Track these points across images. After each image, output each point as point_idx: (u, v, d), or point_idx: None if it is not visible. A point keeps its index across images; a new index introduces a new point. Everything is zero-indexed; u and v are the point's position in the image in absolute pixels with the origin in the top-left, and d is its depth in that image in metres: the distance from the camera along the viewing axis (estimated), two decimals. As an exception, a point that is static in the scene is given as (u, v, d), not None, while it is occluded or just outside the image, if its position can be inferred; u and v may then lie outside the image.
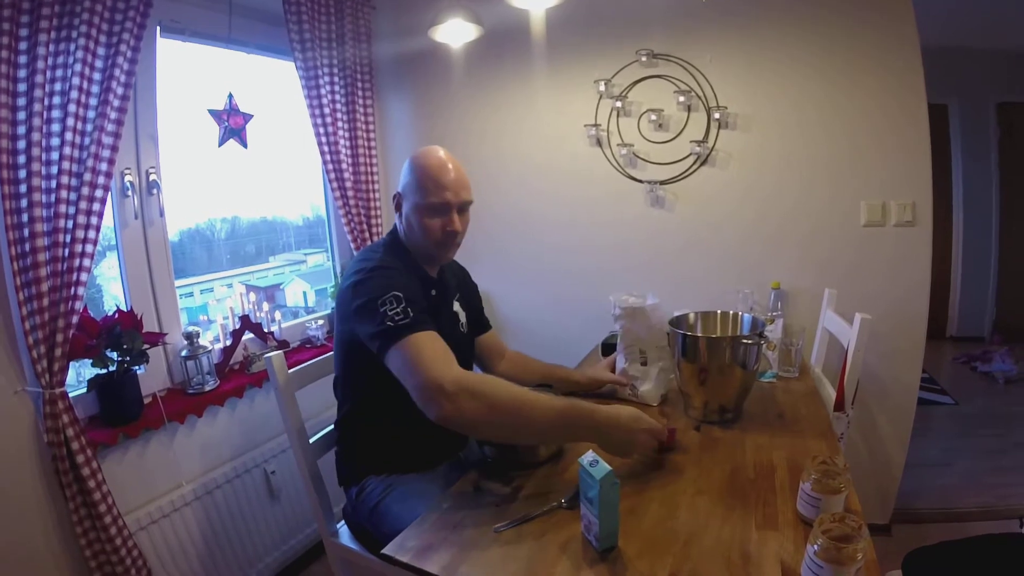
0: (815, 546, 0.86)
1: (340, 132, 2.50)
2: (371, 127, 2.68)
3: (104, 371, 1.75)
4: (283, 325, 2.45)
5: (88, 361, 1.74)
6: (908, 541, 2.26)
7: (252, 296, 2.37)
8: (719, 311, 1.74)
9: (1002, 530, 2.10)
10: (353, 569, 1.67)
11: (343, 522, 1.65)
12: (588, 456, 1.04)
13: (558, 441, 1.28)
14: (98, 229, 1.64)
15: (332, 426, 1.67)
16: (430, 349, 1.21)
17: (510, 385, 1.20)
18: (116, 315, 1.78)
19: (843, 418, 1.69)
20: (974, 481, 2.74)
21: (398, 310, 1.25)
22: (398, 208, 1.50)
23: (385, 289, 1.28)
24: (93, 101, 1.63)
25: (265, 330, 2.33)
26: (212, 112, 2.12)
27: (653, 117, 2.43)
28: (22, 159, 1.50)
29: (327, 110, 2.41)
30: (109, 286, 2.08)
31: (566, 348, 2.38)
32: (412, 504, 1.35)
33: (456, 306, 1.65)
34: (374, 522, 1.46)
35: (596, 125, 2.53)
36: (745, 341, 1.44)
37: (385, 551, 1.06)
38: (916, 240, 2.20)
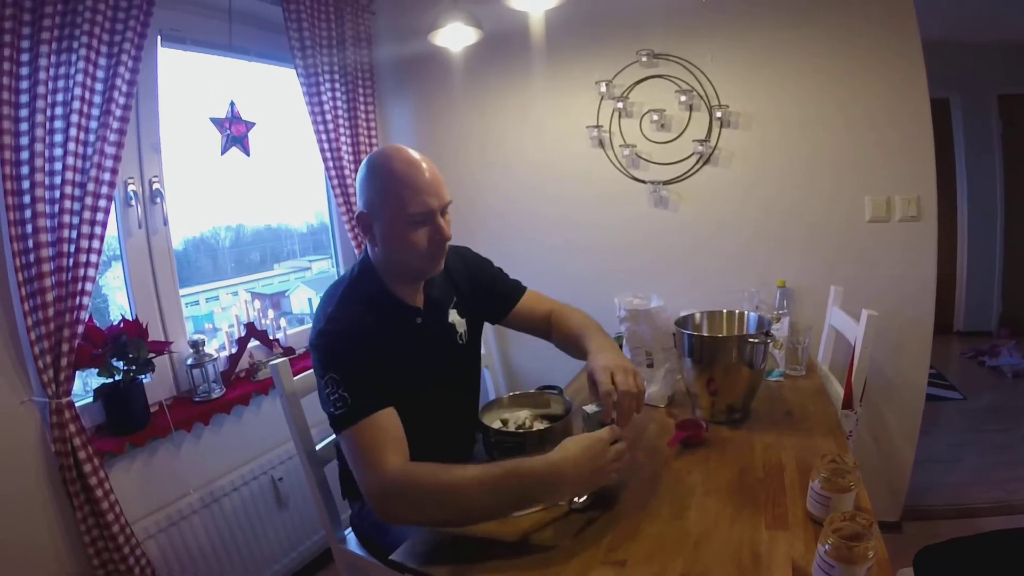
0: (826, 545, 0.85)
1: (342, 138, 2.50)
2: (373, 132, 2.68)
3: (110, 380, 1.75)
4: (289, 332, 2.45)
5: (94, 371, 1.74)
6: (919, 538, 2.24)
7: (257, 303, 2.38)
8: (724, 310, 1.73)
9: (1013, 525, 2.08)
10: None
11: (351, 529, 1.65)
12: (590, 407, 1.18)
13: (512, 510, 1.11)
14: (102, 239, 1.65)
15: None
16: (364, 445, 1.13)
17: (439, 472, 1.08)
18: (121, 324, 1.78)
19: (851, 416, 1.68)
20: (984, 476, 2.72)
21: (336, 396, 1.16)
22: (366, 231, 1.29)
23: (324, 367, 1.20)
24: (95, 111, 1.64)
25: (271, 337, 2.34)
26: (214, 120, 2.13)
27: (655, 117, 2.42)
28: (25, 170, 1.50)
29: (329, 116, 2.42)
30: (115, 296, 2.08)
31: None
32: None
33: (453, 316, 1.47)
34: (379, 534, 1.46)
35: (598, 126, 2.53)
36: (752, 340, 1.44)
37: (393, 557, 1.06)
38: (922, 235, 2.18)
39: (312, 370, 1.62)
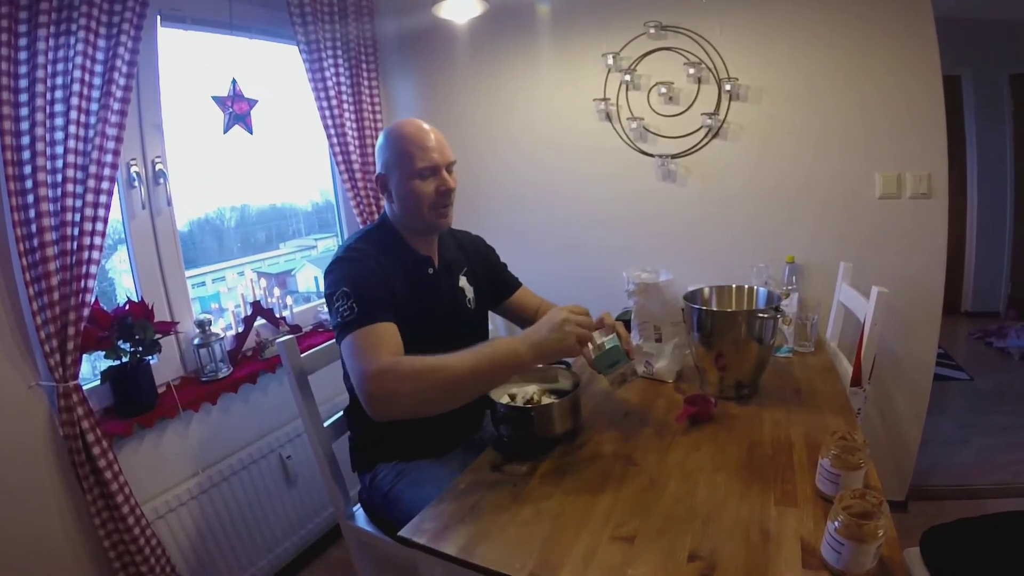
0: (835, 523, 0.85)
1: (346, 114, 2.48)
2: (377, 108, 2.65)
3: (117, 362, 1.75)
4: (295, 310, 2.45)
5: (101, 353, 1.74)
6: (925, 518, 2.25)
7: (263, 283, 2.37)
8: (734, 285, 1.72)
9: (1020, 507, 2.08)
10: (371, 552, 1.68)
11: (359, 505, 1.66)
12: (602, 340, 1.31)
13: (496, 383, 1.27)
14: (105, 221, 1.64)
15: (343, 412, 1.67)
16: (364, 344, 1.25)
17: (423, 357, 1.20)
18: (127, 306, 1.78)
19: (860, 393, 1.67)
20: (990, 458, 2.71)
21: (345, 306, 1.29)
22: (384, 189, 1.49)
23: (338, 283, 1.33)
24: (95, 93, 1.62)
25: (277, 315, 2.33)
26: (216, 99, 2.11)
27: (663, 90, 2.39)
28: (27, 155, 1.49)
29: (332, 92, 2.39)
30: (121, 279, 2.08)
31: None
32: (424, 490, 1.36)
33: (463, 281, 1.63)
34: (388, 508, 1.48)
35: (605, 99, 2.50)
36: (761, 315, 1.42)
37: (402, 533, 1.06)
38: (932, 212, 2.15)
39: (318, 347, 1.69)
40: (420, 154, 1.41)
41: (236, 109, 2.15)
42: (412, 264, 1.50)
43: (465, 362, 1.17)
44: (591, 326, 1.25)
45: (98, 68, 1.63)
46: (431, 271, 1.54)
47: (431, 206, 1.45)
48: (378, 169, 1.49)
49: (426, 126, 1.46)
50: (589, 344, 1.30)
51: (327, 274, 1.41)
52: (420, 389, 1.17)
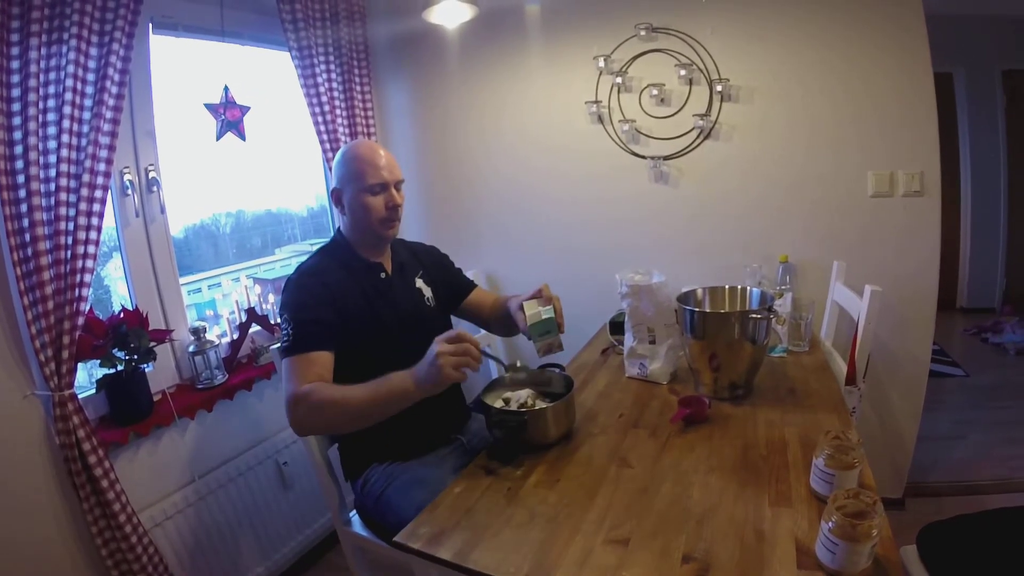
0: (830, 523, 0.85)
1: (339, 119, 2.48)
2: (370, 112, 2.66)
3: (112, 371, 1.75)
4: (290, 317, 2.44)
5: (97, 361, 1.74)
6: (922, 515, 2.25)
7: (258, 289, 2.37)
8: (727, 286, 1.72)
9: (1017, 503, 2.08)
10: (368, 556, 1.68)
11: (355, 511, 1.66)
12: (536, 311, 1.45)
13: (391, 412, 1.30)
14: (99, 229, 1.64)
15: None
16: (292, 370, 1.38)
17: (333, 388, 1.34)
18: (121, 314, 1.78)
19: (855, 392, 1.67)
20: (987, 453, 2.72)
21: (285, 332, 1.43)
22: (338, 203, 1.60)
23: (283, 307, 1.47)
24: (88, 102, 1.62)
25: (272, 322, 2.33)
26: (208, 106, 2.11)
27: (654, 92, 2.39)
28: (20, 164, 1.49)
29: (324, 97, 2.39)
30: (116, 286, 2.08)
31: (572, 326, 2.35)
32: (414, 493, 1.39)
33: (419, 283, 1.72)
34: (380, 512, 1.50)
35: (597, 102, 2.50)
36: (754, 316, 1.43)
37: (397, 538, 1.06)
38: (925, 210, 2.16)
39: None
40: (372, 172, 1.53)
41: (228, 116, 2.15)
42: (364, 273, 1.60)
43: (364, 397, 1.29)
44: (470, 353, 1.23)
45: (90, 76, 1.63)
46: (383, 276, 1.63)
47: (380, 219, 1.56)
48: (333, 183, 1.60)
49: (377, 146, 1.59)
50: (524, 311, 1.47)
51: (282, 290, 1.52)
52: (325, 417, 1.33)
